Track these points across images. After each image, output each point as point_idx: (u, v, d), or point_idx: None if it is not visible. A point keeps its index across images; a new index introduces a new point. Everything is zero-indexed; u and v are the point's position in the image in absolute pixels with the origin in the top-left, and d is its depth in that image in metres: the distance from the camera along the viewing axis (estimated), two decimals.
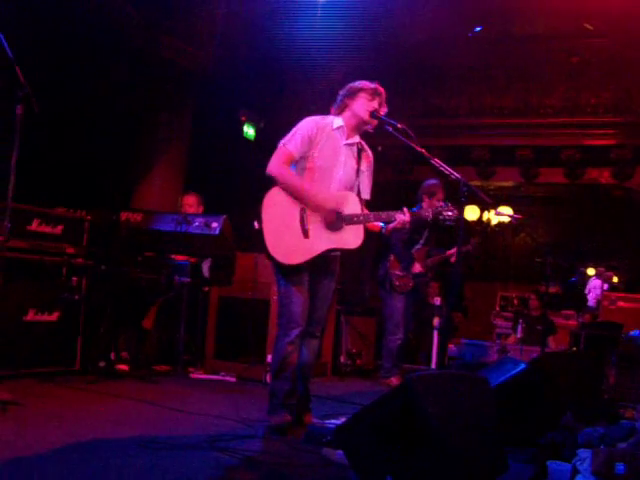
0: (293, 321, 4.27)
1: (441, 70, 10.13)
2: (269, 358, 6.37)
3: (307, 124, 4.37)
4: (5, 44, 4.18)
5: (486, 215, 12.61)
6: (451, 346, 8.93)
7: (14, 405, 4.35)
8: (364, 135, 4.57)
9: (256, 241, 4.26)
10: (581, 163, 11.01)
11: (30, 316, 5.57)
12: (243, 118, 10.33)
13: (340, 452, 3.53)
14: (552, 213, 13.22)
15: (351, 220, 4.27)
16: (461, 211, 4.29)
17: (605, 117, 10.15)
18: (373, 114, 4.36)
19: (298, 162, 4.34)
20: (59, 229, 5.87)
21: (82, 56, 7.50)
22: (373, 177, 4.62)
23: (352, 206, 4.32)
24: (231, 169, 9.67)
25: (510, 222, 12.14)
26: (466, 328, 11.29)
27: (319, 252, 4.22)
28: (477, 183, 11.39)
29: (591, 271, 10.29)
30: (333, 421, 4.39)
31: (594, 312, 9.25)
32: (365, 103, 4.38)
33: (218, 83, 9.02)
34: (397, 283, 7.23)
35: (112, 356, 6.36)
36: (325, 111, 4.58)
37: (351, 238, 4.29)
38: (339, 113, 4.47)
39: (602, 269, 9.52)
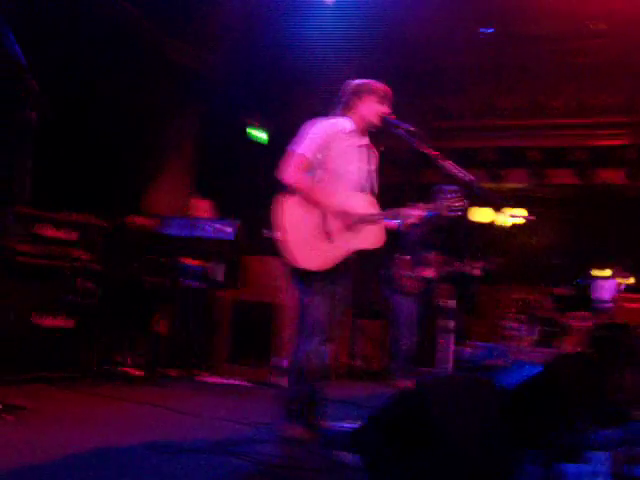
0: (317, 330, 4.20)
1: (449, 72, 10.08)
2: (280, 361, 6.37)
3: (321, 128, 4.32)
4: (19, 52, 4.19)
5: (499, 217, 12.55)
6: (462, 348, 8.89)
7: (24, 410, 4.34)
8: (374, 136, 4.55)
9: (271, 248, 4.23)
10: (591, 164, 10.95)
11: (42, 321, 5.58)
12: (255, 123, 10.32)
13: (353, 455, 3.51)
14: (564, 215, 13.15)
15: (369, 220, 4.25)
16: (467, 212, 4.28)
17: (614, 117, 10.09)
18: (385, 118, 4.33)
19: (312, 166, 4.30)
20: (73, 235, 5.87)
21: (89, 60, 7.50)
22: (380, 176, 4.61)
23: (368, 206, 4.31)
24: (240, 172, 9.66)
25: (523, 224, 12.09)
26: (477, 330, 11.23)
27: (344, 255, 4.20)
28: (487, 185, 11.34)
29: (607, 272, 10.24)
30: (347, 424, 4.37)
31: (610, 313, 9.21)
32: (375, 107, 4.34)
33: (226, 86, 9.02)
34: (404, 284, 7.20)
35: (124, 360, 6.36)
36: (334, 113, 4.55)
37: (373, 237, 4.27)
38: (345, 113, 4.42)
39: (619, 269, 9.49)
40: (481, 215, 12.06)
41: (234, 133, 9.98)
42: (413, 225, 4.45)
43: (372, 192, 4.45)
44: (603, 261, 10.59)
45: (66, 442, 3.73)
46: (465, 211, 4.36)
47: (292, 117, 9.30)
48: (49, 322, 5.62)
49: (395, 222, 4.45)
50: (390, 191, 4.80)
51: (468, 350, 8.79)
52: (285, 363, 6.27)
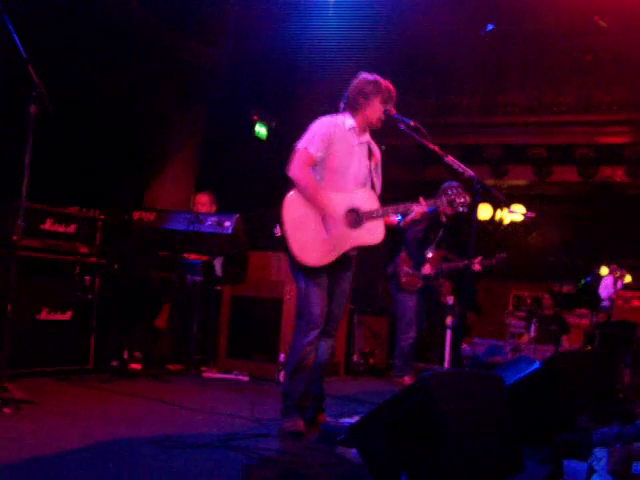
0: (313, 322, 4.25)
1: (453, 68, 10.09)
2: (282, 357, 6.38)
3: (325, 124, 4.35)
4: (19, 44, 4.20)
5: (499, 214, 12.56)
6: (464, 345, 8.91)
7: (28, 404, 4.35)
8: (376, 134, 4.56)
9: (279, 244, 4.26)
10: (595, 161, 10.96)
11: (43, 315, 5.59)
12: (255, 117, 10.33)
13: (354, 451, 3.52)
14: (565, 212, 13.16)
15: (370, 215, 4.27)
16: (474, 209, 4.28)
17: (619, 115, 10.09)
18: (386, 112, 4.35)
19: (317, 163, 4.32)
20: (72, 228, 5.89)
21: (95, 55, 7.51)
22: (382, 174, 4.62)
23: (369, 202, 4.32)
24: (244, 168, 9.66)
25: (523, 221, 12.10)
26: (479, 327, 11.26)
27: (344, 250, 4.24)
28: (490, 182, 11.35)
29: (604, 270, 10.23)
30: (347, 420, 4.38)
31: (608, 311, 9.21)
32: (379, 108, 4.36)
33: (231, 82, 9.02)
34: (404, 280, 7.21)
35: (125, 355, 6.36)
36: (336, 109, 4.56)
37: (373, 234, 4.30)
38: (350, 111, 4.43)
39: (615, 267, 9.48)
40: (482, 211, 12.08)
41: (238, 129, 9.98)
42: (414, 221, 4.46)
43: (373, 188, 4.46)
44: (603, 258, 10.58)
45: (67, 436, 3.73)
46: (469, 207, 4.36)
47: (296, 114, 9.32)
48: (50, 316, 5.63)
49: (395, 218, 4.45)
50: (392, 188, 4.81)
51: (468, 347, 8.80)
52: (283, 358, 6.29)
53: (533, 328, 9.62)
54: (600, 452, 3.38)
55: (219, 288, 7.00)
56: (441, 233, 7.22)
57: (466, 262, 7.12)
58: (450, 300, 8.39)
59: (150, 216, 6.54)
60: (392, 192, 4.72)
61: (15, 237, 4.38)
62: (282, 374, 6.06)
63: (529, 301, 12.77)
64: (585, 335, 9.15)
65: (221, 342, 6.95)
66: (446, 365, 7.87)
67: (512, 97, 10.48)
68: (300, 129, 4.41)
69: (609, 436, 3.75)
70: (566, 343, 9.40)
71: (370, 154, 4.49)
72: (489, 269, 7.38)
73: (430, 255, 7.21)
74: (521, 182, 12.13)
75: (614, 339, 7.36)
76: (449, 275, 7.67)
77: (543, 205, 12.52)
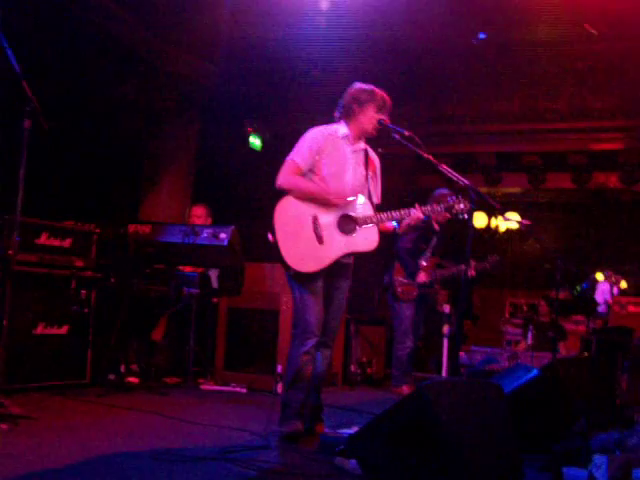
0: (309, 331, 4.26)
1: (446, 77, 10.10)
2: (279, 368, 6.37)
3: (313, 135, 4.38)
4: (12, 59, 4.20)
5: (494, 222, 12.59)
6: (461, 354, 8.90)
7: (25, 419, 4.34)
8: (368, 139, 4.57)
9: (271, 252, 4.26)
10: (588, 168, 10.99)
11: (40, 329, 5.58)
12: (249, 129, 10.34)
13: (353, 461, 3.50)
14: (560, 219, 13.19)
15: (364, 222, 4.27)
16: (470, 218, 4.28)
17: (611, 121, 10.11)
18: (380, 122, 4.36)
19: (306, 174, 4.33)
20: (68, 242, 5.89)
21: (88, 69, 7.52)
22: (382, 181, 4.63)
23: (363, 209, 4.32)
24: (239, 179, 9.67)
25: (518, 228, 12.12)
26: (476, 335, 11.26)
27: (336, 257, 4.23)
28: (484, 190, 11.36)
29: (600, 276, 10.24)
30: (345, 430, 4.37)
31: (604, 317, 9.21)
32: (373, 116, 4.37)
33: (224, 93, 9.03)
34: (400, 290, 7.21)
35: (122, 368, 6.35)
36: (331, 119, 4.57)
37: (366, 241, 4.29)
38: (345, 119, 4.45)
39: (610, 273, 9.48)
40: (478, 219, 12.10)
41: (232, 140, 9.99)
42: (411, 227, 4.45)
43: (369, 196, 4.46)
44: (599, 265, 10.60)
45: (65, 451, 3.72)
46: (469, 214, 4.35)
47: (290, 124, 9.33)
48: (46, 330, 5.62)
49: (391, 224, 4.45)
50: (388, 197, 4.81)
51: (465, 355, 8.80)
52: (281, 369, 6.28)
53: (530, 335, 9.62)
54: (599, 459, 3.38)
55: (215, 300, 7.00)
56: (435, 241, 7.22)
57: (460, 267, 7.15)
58: (447, 309, 8.38)
59: (145, 229, 6.53)
60: (387, 201, 4.72)
61: (11, 252, 4.37)
62: (280, 385, 6.05)
63: (525, 308, 12.77)
64: (582, 341, 9.13)
65: (218, 354, 6.94)
66: (444, 374, 7.87)
67: (505, 105, 10.50)
68: (294, 138, 4.43)
69: (608, 442, 3.75)
70: (563, 350, 9.39)
71: (367, 162, 4.50)
72: (483, 273, 7.37)
73: (424, 264, 7.20)
74: (515, 190, 12.16)
75: (611, 345, 7.35)
76: (444, 282, 7.67)
77: (538, 212, 12.56)
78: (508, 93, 10.35)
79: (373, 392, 7.50)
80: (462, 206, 4.37)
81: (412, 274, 7.20)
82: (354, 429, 4.05)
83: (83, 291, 5.96)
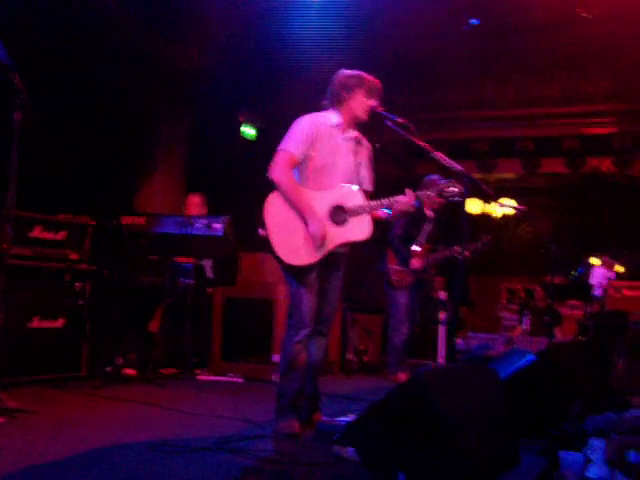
0: (302, 321, 4.25)
1: (439, 63, 10.08)
2: (275, 357, 6.37)
3: (305, 123, 4.34)
4: (3, 50, 4.17)
5: (489, 208, 12.57)
6: (458, 340, 8.92)
7: (22, 412, 4.34)
8: (362, 128, 4.55)
9: (264, 244, 4.24)
10: (582, 152, 10.98)
11: (35, 323, 5.58)
12: (242, 119, 10.32)
13: (351, 449, 3.51)
14: (555, 204, 13.20)
15: (355, 212, 4.25)
16: (463, 201, 4.26)
17: (604, 105, 10.10)
18: (373, 109, 4.33)
19: (300, 162, 4.31)
20: (62, 235, 5.88)
21: (80, 60, 7.49)
22: (374, 170, 4.60)
23: (354, 198, 4.29)
24: (232, 169, 9.65)
25: (514, 214, 12.12)
26: (472, 321, 11.27)
27: (330, 248, 4.21)
28: (478, 176, 11.34)
29: (595, 260, 10.25)
30: (343, 418, 4.37)
31: (600, 301, 9.22)
32: (363, 101, 4.34)
33: (217, 85, 9.00)
34: (394, 278, 7.21)
35: (119, 360, 6.35)
36: (322, 108, 4.54)
37: (358, 230, 4.26)
38: (335, 106, 4.42)
39: (606, 257, 9.49)
40: (472, 206, 12.09)
41: (226, 130, 9.97)
42: (402, 213, 4.41)
43: (361, 184, 4.44)
44: (594, 249, 10.60)
45: (62, 444, 3.72)
46: (462, 197, 4.32)
47: (283, 114, 9.30)
48: (41, 324, 5.61)
49: (383, 212, 4.42)
50: (383, 184, 4.80)
51: (462, 341, 8.82)
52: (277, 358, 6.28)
53: (526, 320, 9.63)
54: (596, 442, 3.39)
55: (211, 291, 7.00)
56: (430, 227, 7.19)
57: (453, 250, 7.14)
58: (442, 295, 8.40)
59: (139, 220, 6.51)
60: (383, 189, 4.70)
61: (4, 245, 4.36)
62: (276, 375, 6.06)
63: (521, 294, 12.78)
64: (578, 326, 9.16)
65: (214, 344, 6.95)
66: (440, 360, 7.89)
67: (498, 91, 10.48)
68: (287, 129, 4.41)
69: (604, 425, 3.76)
70: (559, 334, 9.41)
71: (358, 150, 4.48)
72: (476, 253, 7.35)
73: (418, 249, 7.18)
74: (509, 175, 12.15)
75: (607, 329, 7.37)
76: (438, 266, 7.67)
77: (532, 197, 12.54)
78: (501, 79, 10.33)
79: (370, 380, 7.53)
80: (455, 189, 4.33)
81: (405, 260, 7.20)
82: (351, 417, 4.05)
83: (78, 284, 5.95)
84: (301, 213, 4.19)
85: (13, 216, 4.34)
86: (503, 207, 11.46)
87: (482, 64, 10.01)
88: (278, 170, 4.23)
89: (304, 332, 4.26)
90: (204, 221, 6.27)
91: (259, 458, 3.65)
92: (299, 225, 4.19)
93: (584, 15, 8.21)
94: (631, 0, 8.20)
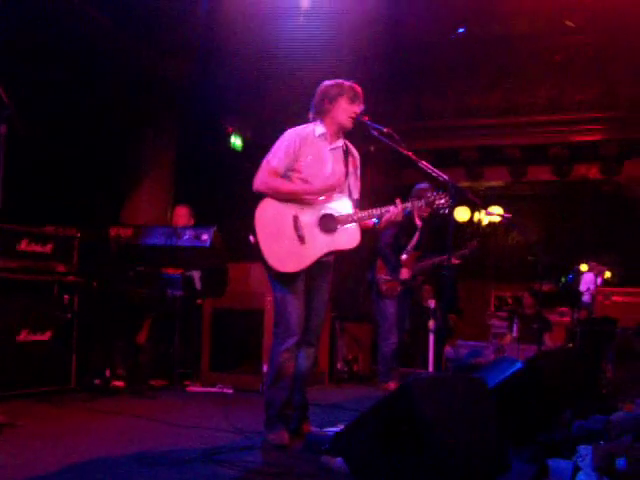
0: (289, 330, 4.25)
1: (425, 72, 10.13)
2: (265, 368, 6.36)
3: (288, 137, 4.36)
4: None
5: (477, 216, 12.61)
6: (448, 348, 8.91)
7: (10, 427, 4.32)
8: (350, 136, 4.56)
9: (253, 253, 4.25)
10: (569, 160, 11.05)
11: (23, 336, 5.55)
12: (230, 129, 10.32)
13: (340, 460, 3.50)
14: (543, 211, 13.24)
15: (345, 220, 4.26)
16: (451, 212, 4.28)
17: (590, 113, 10.17)
18: (356, 120, 4.34)
19: (284, 176, 4.32)
20: (49, 247, 5.86)
21: (65, 72, 7.47)
22: (361, 178, 4.62)
23: (343, 207, 4.31)
24: (219, 180, 9.65)
25: (500, 222, 12.15)
26: (462, 329, 11.27)
27: (317, 256, 4.21)
28: (466, 184, 11.39)
29: (584, 267, 10.28)
30: (332, 429, 4.37)
31: (589, 307, 9.24)
32: (346, 108, 4.35)
33: (203, 94, 9.00)
34: (383, 287, 7.21)
35: (107, 373, 6.33)
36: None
37: (347, 239, 4.27)
38: (319, 118, 4.44)
39: (594, 264, 9.52)
40: (459, 214, 12.13)
41: (213, 140, 9.97)
42: (391, 222, 4.42)
43: (350, 193, 4.46)
44: (582, 256, 10.64)
45: (50, 458, 3.70)
46: (450, 209, 4.33)
47: (270, 123, 9.32)
48: (30, 337, 5.59)
49: (371, 221, 4.44)
50: (369, 193, 4.81)
51: (451, 349, 8.81)
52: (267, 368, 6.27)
53: (515, 328, 9.64)
54: (584, 449, 3.39)
55: (199, 301, 6.98)
56: (418, 236, 7.20)
57: (440, 258, 7.14)
58: (432, 304, 8.39)
59: (127, 232, 6.51)
60: (369, 197, 4.71)
61: None
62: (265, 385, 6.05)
63: (510, 301, 12.81)
64: (567, 332, 9.17)
65: (203, 355, 6.92)
66: (430, 369, 7.88)
67: (484, 99, 10.53)
68: (274, 138, 4.42)
69: (591, 432, 3.77)
70: (549, 341, 9.41)
71: (347, 158, 4.49)
72: (464, 259, 7.35)
73: (405, 257, 7.19)
74: (497, 183, 12.20)
75: (596, 335, 7.39)
76: (427, 274, 7.67)
77: (520, 205, 12.58)
78: (488, 87, 10.38)
79: (360, 389, 7.51)
80: (442, 201, 4.35)
81: (394, 269, 7.19)
82: (340, 427, 4.05)
83: (66, 296, 5.93)
84: (300, 194, 4.24)
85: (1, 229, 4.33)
86: (490, 215, 11.51)
87: (470, 72, 10.06)
88: (260, 180, 4.27)
89: (291, 341, 4.25)
90: (192, 232, 6.27)
91: (248, 469, 3.64)
92: (288, 232, 4.20)
93: (568, 24, 8.27)
94: (617, 9, 8.25)
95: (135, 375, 6.50)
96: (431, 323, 8.03)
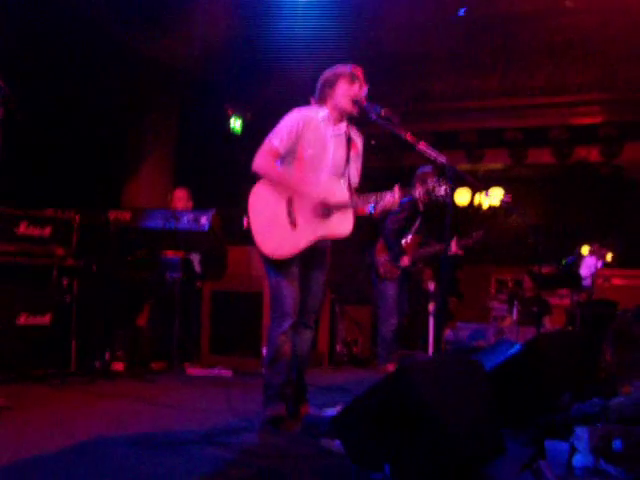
0: (285, 313, 4.25)
1: (425, 55, 10.08)
2: (264, 350, 6.37)
3: (292, 118, 4.32)
4: None
5: (477, 199, 12.59)
6: (448, 331, 8.94)
7: (9, 410, 4.33)
8: (354, 122, 4.53)
9: (248, 236, 4.25)
10: (569, 142, 11.02)
11: (22, 320, 5.56)
12: (230, 111, 10.29)
13: (338, 442, 3.52)
14: (543, 194, 13.22)
15: (340, 206, 4.25)
16: (450, 196, 4.26)
17: (590, 95, 10.13)
18: (355, 102, 4.32)
19: (286, 156, 4.29)
20: (48, 231, 5.85)
21: (67, 56, 7.45)
22: (363, 164, 4.59)
23: (340, 193, 4.30)
24: (219, 164, 9.64)
25: (501, 204, 12.14)
26: (462, 312, 11.30)
27: (309, 242, 4.21)
28: (466, 167, 11.37)
29: (585, 250, 10.29)
30: (330, 410, 4.39)
31: (589, 291, 9.26)
32: (346, 90, 4.32)
33: (204, 79, 8.98)
34: (382, 270, 7.20)
35: (107, 356, 6.35)
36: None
37: (341, 225, 4.27)
38: (321, 104, 4.42)
39: (596, 246, 9.53)
40: (460, 196, 12.11)
41: (213, 124, 9.95)
42: (386, 211, 4.41)
43: (349, 179, 4.43)
44: (582, 238, 10.65)
45: (50, 441, 3.71)
46: (449, 196, 4.30)
47: (270, 107, 9.29)
48: (29, 321, 5.60)
49: (367, 208, 4.41)
50: (369, 176, 4.79)
51: (451, 332, 8.83)
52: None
53: (515, 310, 9.66)
54: (581, 431, 3.40)
55: (199, 284, 6.99)
56: (419, 221, 7.20)
57: (441, 245, 7.12)
58: (432, 287, 8.40)
59: (126, 215, 6.51)
60: (369, 180, 4.70)
61: None
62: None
63: (510, 284, 12.82)
64: (567, 315, 9.19)
65: (203, 338, 6.95)
66: (430, 352, 7.90)
67: (484, 81, 10.49)
68: (274, 122, 4.39)
69: (588, 414, 3.78)
70: (548, 324, 9.44)
71: (349, 144, 4.47)
72: (467, 249, 7.34)
73: (407, 241, 7.17)
74: (498, 165, 12.18)
75: (595, 318, 7.40)
76: (428, 261, 7.67)
77: (521, 187, 12.56)
78: (487, 69, 10.33)
79: (359, 371, 7.54)
80: (442, 192, 4.30)
81: (396, 257, 7.17)
82: (338, 409, 4.06)
83: (65, 280, 5.93)
84: (294, 189, 4.22)
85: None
86: (489, 197, 11.49)
87: (468, 55, 10.01)
88: (260, 160, 4.24)
89: (287, 323, 4.25)
90: (191, 215, 6.27)
91: (246, 451, 3.66)
92: (282, 216, 4.20)
93: (568, 4, 8.21)
94: None
95: (135, 358, 6.52)
96: (431, 306, 8.04)
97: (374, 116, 4.25)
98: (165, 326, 6.65)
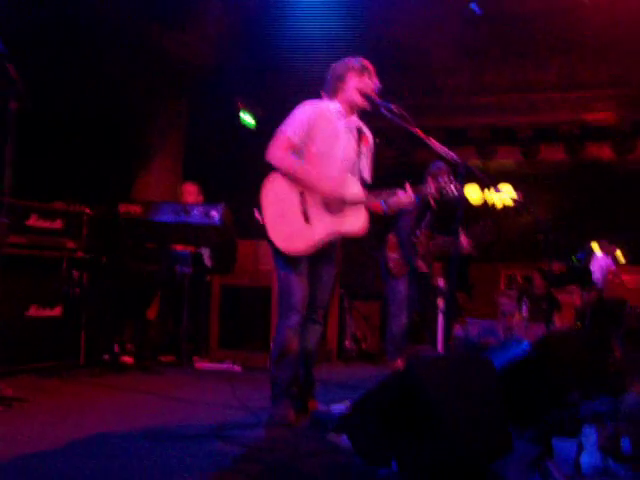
0: (293, 308, 4.22)
1: (436, 50, 10.04)
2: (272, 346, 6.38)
3: (305, 109, 4.30)
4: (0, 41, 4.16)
5: (489, 197, 12.53)
6: (457, 327, 8.91)
7: (19, 401, 4.35)
8: (365, 117, 4.51)
9: (259, 229, 4.23)
10: (581, 138, 10.97)
11: (32, 311, 5.58)
12: (240, 105, 10.28)
13: (346, 437, 3.51)
14: (554, 190, 13.17)
15: (353, 201, 4.22)
16: (461, 192, 4.23)
17: (603, 91, 10.08)
18: (366, 95, 4.30)
19: (298, 149, 4.27)
20: (58, 223, 5.87)
21: (78, 48, 7.46)
22: (374, 159, 4.58)
23: (352, 188, 4.27)
24: (230, 158, 9.64)
25: (512, 201, 12.10)
26: (471, 308, 11.26)
27: (322, 238, 4.17)
28: (477, 162, 11.33)
29: (595, 246, 10.24)
30: (338, 406, 4.37)
31: (599, 288, 9.22)
32: (356, 83, 4.30)
33: (215, 72, 8.97)
34: (391, 265, 7.17)
35: (116, 348, 6.37)
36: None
37: (354, 221, 4.24)
38: (331, 97, 4.40)
39: (606, 243, 9.49)
40: (469, 193, 12.06)
41: (223, 118, 9.94)
42: (399, 208, 4.39)
43: (360, 173, 4.42)
44: (593, 235, 10.60)
45: (59, 433, 3.74)
46: (461, 193, 4.27)
47: (282, 102, 9.27)
48: (39, 312, 5.62)
49: (381, 205, 4.38)
50: (381, 172, 4.77)
51: (460, 328, 8.80)
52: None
53: (524, 307, 9.63)
54: (589, 429, 3.39)
55: (208, 278, 7.00)
56: (429, 217, 7.16)
57: (450, 241, 7.10)
58: (441, 283, 8.37)
59: (136, 209, 6.51)
60: (381, 176, 4.68)
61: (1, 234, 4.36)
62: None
63: (520, 280, 12.78)
64: (577, 312, 9.16)
65: (212, 332, 6.96)
66: (439, 348, 7.88)
67: (496, 77, 10.44)
68: (286, 116, 4.37)
69: (597, 412, 3.76)
70: (558, 321, 9.41)
71: (360, 138, 4.45)
72: (476, 241, 7.30)
73: (417, 236, 7.12)
74: (509, 162, 12.13)
75: (605, 315, 7.38)
76: (439, 256, 7.63)
77: (532, 184, 12.51)
78: (499, 65, 10.29)
79: (368, 367, 7.53)
80: (454, 190, 4.28)
81: (409, 260, 7.11)
82: (347, 405, 4.06)
83: (75, 272, 5.95)
84: (310, 185, 4.17)
85: (9, 204, 4.33)
86: (502, 195, 11.44)
87: (480, 50, 9.97)
88: (275, 151, 4.18)
89: (295, 319, 4.22)
90: (201, 209, 6.27)
91: (254, 446, 3.66)
92: (294, 211, 4.16)
93: (582, 1, 8.17)
94: None
95: (144, 351, 6.54)
96: (440, 302, 8.01)
97: (385, 111, 4.23)
98: (174, 320, 6.66)
